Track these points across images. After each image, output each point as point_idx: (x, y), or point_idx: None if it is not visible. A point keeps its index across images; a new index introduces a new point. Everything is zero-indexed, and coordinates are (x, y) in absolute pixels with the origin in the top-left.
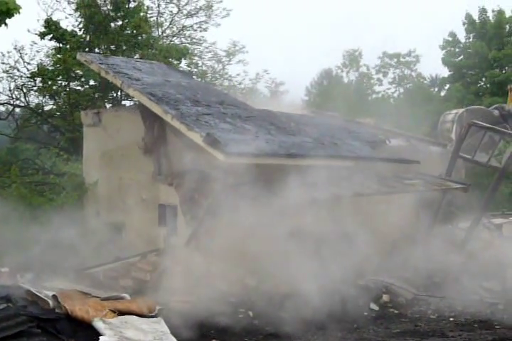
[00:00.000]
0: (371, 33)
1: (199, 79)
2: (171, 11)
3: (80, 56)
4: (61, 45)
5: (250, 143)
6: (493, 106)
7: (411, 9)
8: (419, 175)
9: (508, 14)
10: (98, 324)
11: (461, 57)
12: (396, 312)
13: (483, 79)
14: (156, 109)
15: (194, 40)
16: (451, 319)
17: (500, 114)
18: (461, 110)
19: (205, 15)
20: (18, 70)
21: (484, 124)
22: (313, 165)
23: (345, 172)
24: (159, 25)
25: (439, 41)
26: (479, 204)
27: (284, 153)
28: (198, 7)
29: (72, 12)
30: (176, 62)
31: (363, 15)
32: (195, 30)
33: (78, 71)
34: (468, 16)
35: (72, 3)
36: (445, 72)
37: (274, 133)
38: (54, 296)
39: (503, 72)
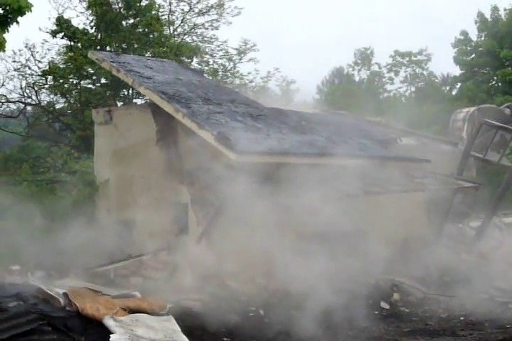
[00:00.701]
0: (383, 32)
1: (210, 78)
2: (183, 9)
3: (92, 54)
4: (72, 43)
5: (261, 141)
6: (505, 105)
7: (423, 8)
8: (430, 174)
9: None
10: (109, 322)
11: (473, 55)
12: (407, 310)
13: (495, 77)
14: (168, 107)
15: (205, 39)
16: (461, 318)
17: (511, 113)
18: (472, 109)
19: (217, 14)
20: (30, 68)
21: (495, 123)
22: (324, 164)
23: (356, 170)
24: (171, 23)
25: (451, 40)
26: (490, 204)
27: (295, 151)
28: (209, 5)
29: (83, 10)
30: (187, 60)
31: (374, 14)
32: (207, 29)
33: (89, 69)
34: (481, 15)
35: (84, 1)
36: (457, 71)
37: (285, 132)
38: (65, 294)
39: None
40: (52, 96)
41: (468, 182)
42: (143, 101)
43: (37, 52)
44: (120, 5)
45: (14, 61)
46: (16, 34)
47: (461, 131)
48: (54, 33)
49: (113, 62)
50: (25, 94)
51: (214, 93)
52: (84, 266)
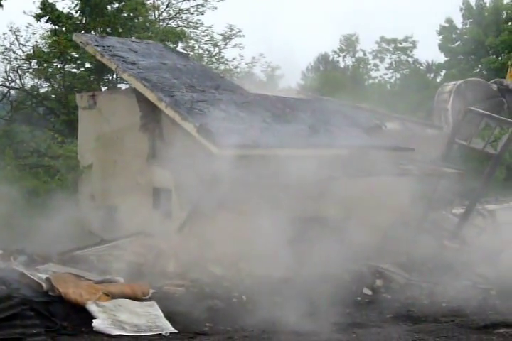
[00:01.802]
0: (368, 18)
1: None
2: None
3: (76, 37)
4: (57, 27)
5: (244, 133)
6: (492, 81)
7: None
8: (415, 160)
9: (505, 0)
10: (91, 307)
11: (458, 43)
12: (389, 297)
13: (480, 65)
14: (151, 96)
15: (190, 24)
16: (443, 304)
17: (498, 88)
18: (459, 81)
19: None
20: (14, 52)
21: (481, 111)
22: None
23: (340, 157)
24: (156, 8)
25: (436, 27)
26: (474, 191)
27: (278, 144)
28: None
29: None
30: (172, 45)
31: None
32: (192, 14)
33: (74, 53)
34: (466, 2)
35: None
36: (442, 58)
37: (269, 121)
38: (47, 279)
39: (500, 58)
40: (36, 80)
41: (452, 169)
42: (127, 86)
43: (21, 35)
44: None
45: None
46: (0, 18)
47: (446, 102)
48: (38, 17)
49: (97, 46)
50: (9, 78)
51: (198, 78)
52: (62, 251)
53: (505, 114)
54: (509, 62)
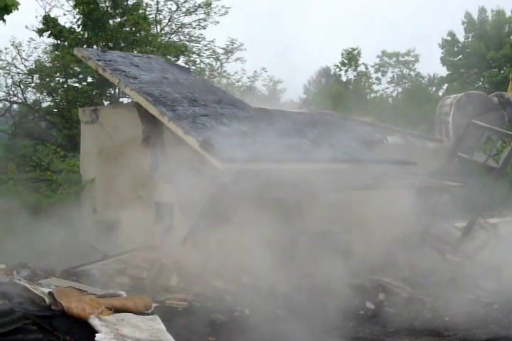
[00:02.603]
0: (371, 33)
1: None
2: (170, 9)
3: (77, 51)
4: (59, 41)
5: (246, 147)
6: (493, 94)
7: (411, 8)
8: (416, 174)
9: (507, 14)
10: (94, 321)
11: (460, 56)
12: (392, 311)
13: (482, 79)
14: (153, 110)
15: (192, 38)
16: (446, 318)
17: (499, 101)
18: (460, 94)
19: (204, 13)
20: (16, 67)
21: (483, 124)
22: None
23: (342, 172)
24: (158, 22)
25: (439, 40)
26: (476, 204)
27: (280, 158)
28: (196, 4)
29: (70, 9)
30: (173, 59)
31: (362, 14)
32: (194, 28)
33: (76, 68)
34: (468, 16)
35: None
36: (444, 72)
37: (271, 136)
38: (50, 293)
39: (501, 72)
40: (38, 94)
41: (453, 182)
42: (129, 100)
43: (23, 50)
44: (107, 3)
45: (0, 59)
46: (2, 32)
47: (447, 115)
48: (40, 32)
49: (99, 60)
50: (12, 93)
51: (200, 93)
52: (65, 267)
53: (506, 126)
54: (510, 76)
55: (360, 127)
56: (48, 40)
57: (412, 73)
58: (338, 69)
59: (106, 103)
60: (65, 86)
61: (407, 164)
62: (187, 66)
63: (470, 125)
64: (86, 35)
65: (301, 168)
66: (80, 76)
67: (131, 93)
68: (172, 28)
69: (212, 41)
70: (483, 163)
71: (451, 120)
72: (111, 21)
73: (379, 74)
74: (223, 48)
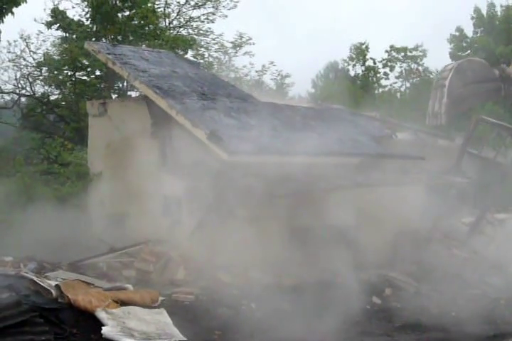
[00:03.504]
0: (379, 27)
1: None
2: (179, 2)
3: (88, 45)
4: (67, 34)
5: (254, 140)
6: (496, 66)
7: (420, 2)
8: (425, 170)
9: None
10: (101, 314)
11: (468, 51)
12: (398, 306)
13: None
14: (162, 103)
15: (201, 32)
16: (453, 314)
17: (499, 75)
18: (463, 59)
19: (213, 7)
20: (24, 59)
21: (492, 120)
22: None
23: (350, 166)
24: (166, 16)
25: (447, 35)
26: (484, 200)
27: (287, 150)
28: None
29: (79, 1)
30: (182, 53)
31: (371, 8)
32: (203, 22)
33: (84, 61)
34: (477, 10)
35: None
36: None
37: (279, 129)
38: (57, 286)
39: (510, 67)
40: (46, 87)
41: (462, 179)
42: (137, 94)
43: (32, 43)
44: None
45: (9, 52)
46: (11, 25)
47: (445, 79)
48: (49, 25)
49: (109, 53)
50: (20, 85)
51: (209, 87)
52: (72, 259)
53: (500, 100)
54: None
55: (369, 122)
56: (56, 33)
57: (420, 68)
58: (346, 64)
59: (114, 96)
60: (73, 79)
61: (415, 158)
62: (196, 60)
63: (480, 120)
64: (94, 29)
65: (309, 161)
66: (88, 69)
67: (140, 86)
68: (180, 22)
69: (220, 35)
70: (492, 159)
71: (448, 83)
72: (119, 14)
73: (387, 69)
74: (232, 42)
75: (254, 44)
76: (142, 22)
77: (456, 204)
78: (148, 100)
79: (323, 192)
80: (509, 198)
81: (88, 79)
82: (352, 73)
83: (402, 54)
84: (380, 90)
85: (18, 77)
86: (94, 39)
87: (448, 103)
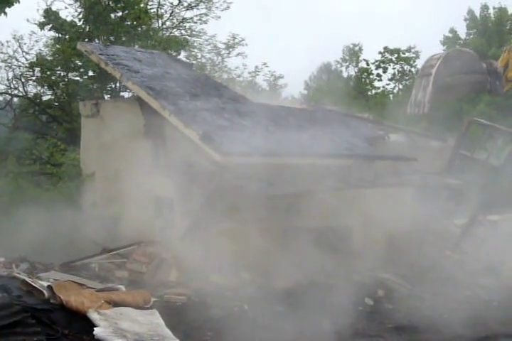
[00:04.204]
0: (372, 28)
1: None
2: (172, 3)
3: (81, 46)
4: (60, 35)
5: (247, 141)
6: (484, 60)
7: (412, 4)
8: (417, 171)
9: (509, 11)
10: (93, 315)
11: None
12: (391, 307)
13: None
14: (155, 104)
15: (194, 33)
16: (445, 315)
17: (486, 68)
18: (451, 49)
19: (206, 8)
20: (17, 60)
21: (485, 122)
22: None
23: (343, 168)
24: (159, 16)
25: (440, 37)
26: (476, 202)
27: (280, 151)
28: None
29: (72, 2)
30: (174, 53)
31: (364, 10)
32: (195, 23)
33: (77, 61)
34: (471, 12)
35: None
36: None
37: (272, 130)
38: (49, 287)
39: (498, 62)
40: (39, 88)
41: (455, 180)
42: (130, 95)
43: (24, 43)
44: None
45: (1, 52)
46: (4, 25)
47: (432, 67)
48: (42, 25)
49: (101, 54)
50: (12, 86)
51: (202, 88)
52: (63, 260)
53: (485, 93)
54: (504, 48)
55: (362, 124)
56: (49, 34)
57: (412, 70)
58: (339, 65)
59: (107, 97)
60: (66, 79)
61: (407, 160)
62: (188, 61)
63: (472, 122)
64: (87, 29)
65: (302, 162)
66: (81, 70)
67: (132, 87)
68: (173, 23)
69: (213, 36)
70: (484, 160)
71: (435, 72)
72: (112, 15)
73: (380, 71)
74: (224, 43)
75: (247, 45)
76: (135, 23)
77: (448, 206)
78: (141, 101)
79: (316, 194)
80: (501, 200)
81: (81, 80)
82: (345, 74)
83: (396, 55)
84: (373, 92)
85: (10, 77)
86: (86, 39)
87: (433, 91)
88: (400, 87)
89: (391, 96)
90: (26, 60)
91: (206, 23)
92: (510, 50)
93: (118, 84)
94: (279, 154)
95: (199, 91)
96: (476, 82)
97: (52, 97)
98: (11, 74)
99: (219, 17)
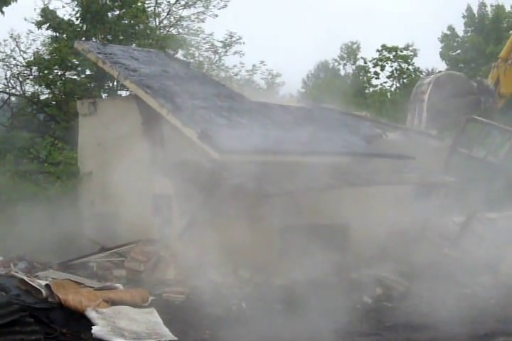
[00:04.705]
0: (370, 26)
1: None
2: (169, 1)
3: (78, 44)
4: (58, 34)
5: (245, 139)
6: (473, 79)
7: (410, 2)
8: (415, 169)
9: (507, 9)
10: (91, 314)
11: (459, 51)
12: (389, 305)
13: (480, 73)
14: (152, 102)
15: (191, 31)
16: (443, 313)
17: (477, 87)
18: (441, 73)
19: (203, 6)
20: (14, 59)
21: (484, 120)
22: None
23: (341, 165)
24: (156, 15)
25: (438, 34)
26: (475, 199)
27: (278, 149)
28: None
29: (69, 1)
30: (172, 52)
31: (363, 8)
32: (193, 21)
33: (74, 60)
34: (469, 9)
35: None
36: (443, 66)
37: (270, 128)
38: (47, 285)
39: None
40: (36, 87)
41: (452, 178)
42: (127, 93)
43: (22, 42)
44: None
45: None
46: (1, 24)
47: (424, 93)
48: (39, 24)
49: (99, 53)
50: (10, 85)
51: (200, 86)
52: (61, 259)
53: (480, 113)
54: (492, 64)
55: (360, 122)
56: (46, 33)
57: (410, 68)
58: (336, 64)
59: (104, 96)
60: (63, 78)
61: (405, 158)
62: (186, 59)
63: (470, 120)
64: (85, 28)
65: (299, 159)
66: (79, 68)
67: (130, 85)
68: (171, 21)
69: (210, 34)
70: (483, 158)
71: (427, 98)
72: (109, 14)
73: (377, 69)
74: (222, 41)
75: (244, 43)
76: (132, 21)
77: (446, 204)
78: (139, 99)
79: (313, 192)
80: (499, 197)
81: (78, 79)
82: (342, 73)
83: (393, 53)
84: (371, 90)
85: (8, 76)
86: (84, 38)
87: (428, 118)
88: (398, 85)
89: (389, 94)
90: (24, 58)
91: (203, 22)
92: (499, 66)
93: (115, 83)
94: (276, 152)
95: (197, 90)
96: (469, 104)
97: (50, 96)
98: (8, 73)
99: (216, 15)
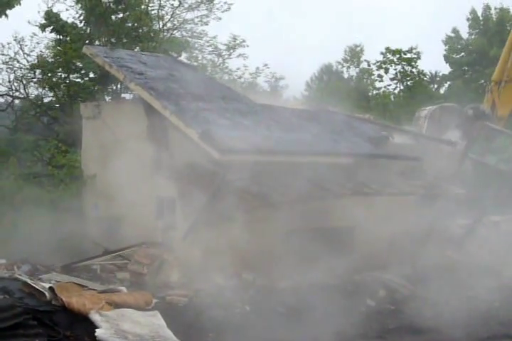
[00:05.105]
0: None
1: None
2: (172, 4)
3: (86, 49)
4: (61, 37)
5: (246, 139)
6: (468, 106)
7: (415, 4)
8: (424, 174)
9: (511, 12)
10: (95, 316)
11: (463, 54)
12: (393, 308)
13: (484, 76)
14: (156, 104)
15: (195, 34)
16: (447, 316)
17: (474, 114)
18: (434, 107)
19: (207, 9)
20: (18, 62)
21: (496, 127)
22: (311, 162)
23: (346, 169)
24: (160, 18)
25: (443, 37)
26: (482, 203)
27: (280, 150)
28: (199, 1)
29: (73, 4)
30: (175, 55)
31: (366, 10)
32: (196, 24)
33: (78, 63)
34: (474, 12)
35: None
36: (447, 69)
37: (273, 129)
38: (51, 288)
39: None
40: (40, 89)
41: (459, 188)
42: (131, 96)
43: (26, 45)
44: None
45: (3, 54)
46: (5, 27)
47: (421, 128)
48: (43, 27)
49: (106, 57)
50: (14, 88)
51: (206, 89)
52: (66, 262)
53: (481, 139)
54: (486, 88)
55: (365, 124)
56: (50, 36)
57: (414, 70)
58: (340, 66)
59: (108, 99)
60: (67, 81)
61: (410, 160)
62: (192, 63)
63: (483, 127)
64: (88, 31)
65: (302, 160)
66: (82, 71)
67: (135, 88)
68: (174, 24)
69: (214, 37)
70: (493, 165)
71: (425, 132)
72: (113, 17)
73: (381, 71)
74: (225, 44)
75: (247, 46)
76: (136, 24)
77: (452, 207)
78: (144, 102)
79: (319, 199)
80: (506, 202)
81: (82, 82)
82: (346, 75)
83: (397, 56)
84: (374, 92)
85: (11, 79)
86: (87, 41)
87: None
88: (401, 87)
89: (392, 97)
90: (27, 61)
91: (207, 25)
92: (493, 89)
93: (119, 86)
94: (278, 152)
95: (202, 93)
96: (469, 131)
97: (54, 99)
98: (12, 76)
99: (220, 18)
